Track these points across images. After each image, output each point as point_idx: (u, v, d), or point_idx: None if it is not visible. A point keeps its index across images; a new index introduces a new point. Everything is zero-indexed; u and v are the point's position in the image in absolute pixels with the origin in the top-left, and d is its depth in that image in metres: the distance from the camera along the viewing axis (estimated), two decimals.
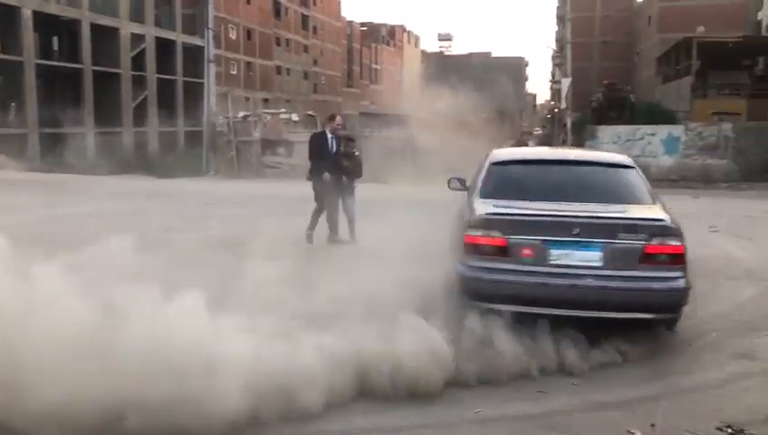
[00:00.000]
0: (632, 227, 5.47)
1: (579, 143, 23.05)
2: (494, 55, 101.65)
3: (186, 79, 43.39)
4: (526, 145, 20.15)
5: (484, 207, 5.89)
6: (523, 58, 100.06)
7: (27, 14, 32.89)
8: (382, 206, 10.46)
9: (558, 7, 43.95)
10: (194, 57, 41.35)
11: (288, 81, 64.84)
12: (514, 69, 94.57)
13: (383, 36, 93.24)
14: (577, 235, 5.41)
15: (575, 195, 5.98)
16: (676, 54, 45.12)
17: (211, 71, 27.13)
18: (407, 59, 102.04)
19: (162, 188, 19.95)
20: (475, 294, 5.53)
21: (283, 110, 32.28)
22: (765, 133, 17.83)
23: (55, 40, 37.78)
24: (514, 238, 5.49)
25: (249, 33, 57.15)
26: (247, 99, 52.38)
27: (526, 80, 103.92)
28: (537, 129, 26.16)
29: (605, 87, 30.56)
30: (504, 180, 6.38)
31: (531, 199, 5.93)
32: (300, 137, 22.67)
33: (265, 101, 56.46)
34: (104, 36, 37.34)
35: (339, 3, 78.75)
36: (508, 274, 5.45)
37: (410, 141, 22.76)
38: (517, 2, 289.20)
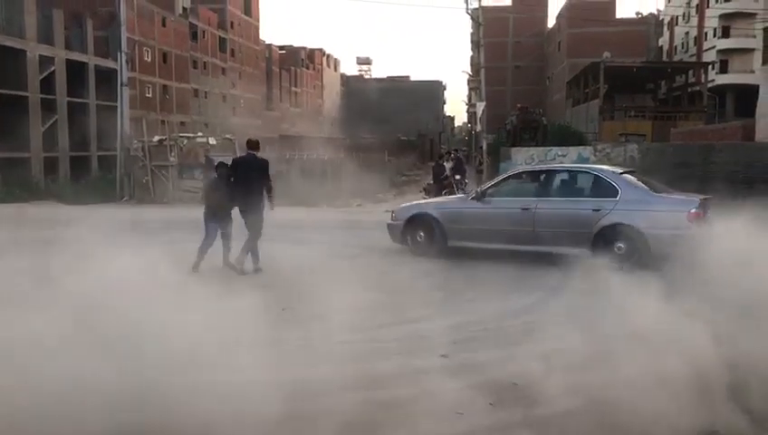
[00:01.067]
0: None
1: (494, 165, 23.71)
2: (412, 79, 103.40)
3: (99, 102, 42.13)
4: (442, 167, 20.48)
5: None
6: (440, 82, 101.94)
7: None
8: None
9: (472, 33, 45.13)
10: (107, 80, 40.24)
11: (205, 104, 63.96)
12: (432, 92, 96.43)
13: (302, 59, 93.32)
14: None
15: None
16: (585, 78, 47.20)
17: (125, 94, 26.44)
18: (327, 82, 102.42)
19: (69, 214, 19.10)
20: None
21: (200, 133, 31.71)
22: (666, 154, 18.84)
23: None
24: None
25: (165, 56, 56.18)
26: (163, 122, 51.33)
27: (444, 103, 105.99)
28: (454, 149, 26.76)
29: (518, 110, 31.50)
30: None
31: None
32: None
33: (182, 124, 55.44)
34: (10, 58, 35.92)
35: (257, 26, 78.46)
36: None
37: (329, 164, 22.85)
38: (434, 27, 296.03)
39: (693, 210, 9.29)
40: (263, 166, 9.89)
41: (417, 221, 11.25)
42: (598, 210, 9.76)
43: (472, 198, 11.00)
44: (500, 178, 11.71)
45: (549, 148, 21.41)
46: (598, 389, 4.59)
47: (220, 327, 4.82)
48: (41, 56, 38.60)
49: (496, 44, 69.34)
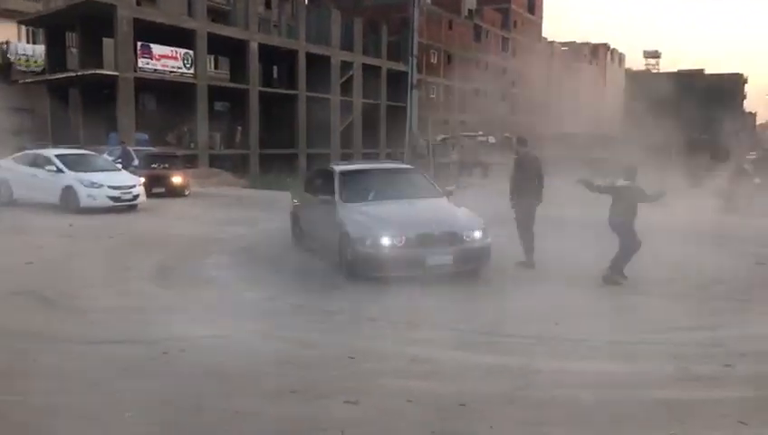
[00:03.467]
0: None
1: None
2: (707, 72, 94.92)
3: (389, 103, 45.57)
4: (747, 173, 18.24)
5: None
6: (740, 74, 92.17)
7: (254, 46, 36.60)
8: None
9: None
10: (396, 82, 43.37)
11: (486, 103, 65.42)
12: (730, 86, 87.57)
13: (585, 56, 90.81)
14: None
15: None
16: None
17: (414, 96, 28.30)
18: (610, 78, 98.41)
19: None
20: None
21: (480, 132, 32.74)
22: None
23: (275, 69, 41.62)
24: None
25: (449, 58, 58.59)
26: (446, 121, 53.70)
27: (744, 98, 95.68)
28: (752, 153, 23.90)
29: None
30: None
31: None
32: (496, 159, 22.95)
33: (462, 123, 57.44)
34: (316, 64, 40.41)
35: (540, 24, 78.14)
36: None
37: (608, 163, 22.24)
38: (734, 12, 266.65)
39: None
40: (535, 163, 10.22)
41: None
42: None
43: None
44: None
45: None
46: None
47: None
48: (342, 62, 42.88)
49: None
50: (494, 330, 6.70)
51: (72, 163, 16.52)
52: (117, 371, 5.31)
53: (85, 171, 16.23)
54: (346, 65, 43.48)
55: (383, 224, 8.65)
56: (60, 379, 5.11)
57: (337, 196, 9.61)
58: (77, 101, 33.45)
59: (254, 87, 37.24)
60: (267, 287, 8.27)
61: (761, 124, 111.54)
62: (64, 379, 5.12)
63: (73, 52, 33.27)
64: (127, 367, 5.39)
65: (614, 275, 8.73)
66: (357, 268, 8.57)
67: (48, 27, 33.14)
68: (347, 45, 43.58)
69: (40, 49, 34.03)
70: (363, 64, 44.87)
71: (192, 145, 34.14)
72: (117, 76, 30.40)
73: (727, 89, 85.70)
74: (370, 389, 4.95)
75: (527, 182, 10.11)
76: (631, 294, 8.30)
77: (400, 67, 43.28)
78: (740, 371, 5.49)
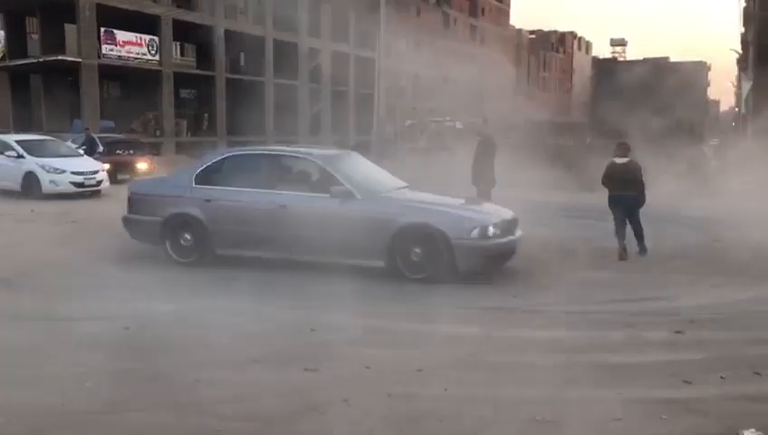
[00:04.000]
0: None
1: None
2: (672, 60, 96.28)
3: (358, 90, 45.50)
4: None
5: None
6: (704, 62, 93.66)
7: (220, 32, 36.23)
8: None
9: (745, 6, 40.92)
10: (365, 69, 43.31)
11: (454, 90, 65.64)
12: (694, 74, 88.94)
13: (552, 44, 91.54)
14: None
15: None
16: None
17: (381, 82, 28.32)
18: (577, 66, 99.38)
19: None
20: None
21: (447, 118, 32.89)
22: None
23: (242, 55, 41.22)
24: None
25: (418, 44, 58.63)
26: (414, 108, 53.78)
27: (707, 85, 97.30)
28: (714, 139, 24.43)
29: None
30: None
31: None
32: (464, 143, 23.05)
33: (431, 110, 57.60)
34: (284, 50, 40.11)
35: (508, 12, 78.50)
36: None
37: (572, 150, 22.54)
38: (698, 3, 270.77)
39: None
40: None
41: None
42: None
43: None
44: None
45: None
46: None
47: None
48: (310, 48, 42.67)
49: None
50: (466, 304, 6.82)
51: (34, 149, 16.29)
52: (76, 345, 5.30)
53: (47, 157, 16.01)
54: (314, 52, 43.26)
55: (480, 213, 8.05)
56: (15, 353, 5.09)
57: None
58: (39, 88, 32.82)
59: (221, 74, 36.91)
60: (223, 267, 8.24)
61: (723, 111, 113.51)
62: (20, 353, 5.10)
63: (34, 38, 32.58)
64: (87, 342, 5.38)
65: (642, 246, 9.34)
66: (463, 264, 7.53)
67: (7, 12, 32.38)
68: (315, 32, 43.34)
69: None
70: (332, 51, 44.70)
71: (158, 132, 33.74)
72: (80, 63, 29.88)
73: (691, 76, 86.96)
74: None
75: (489, 165, 10.25)
76: (595, 269, 8.55)
77: (369, 54, 43.22)
78: (689, 336, 5.69)
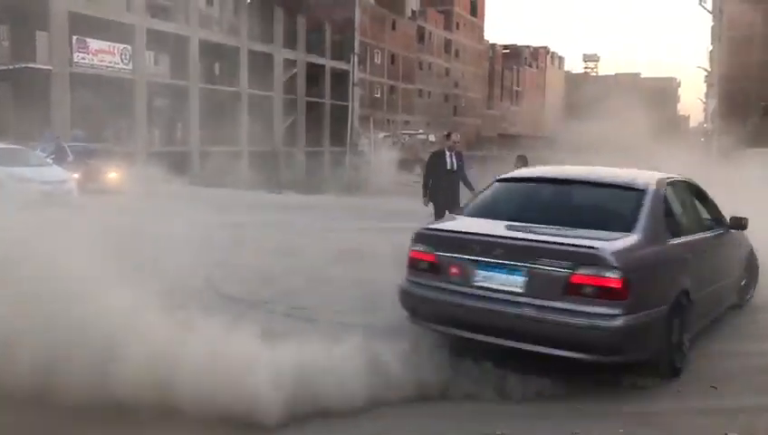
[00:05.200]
0: (554, 252, 4.76)
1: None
2: (643, 76, 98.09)
3: (332, 102, 45.55)
4: None
5: (439, 223, 6.30)
6: (674, 79, 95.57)
7: (195, 42, 36.08)
8: None
9: (713, 26, 41.86)
10: (340, 81, 43.39)
11: (429, 103, 66.11)
12: (664, 90, 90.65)
13: (526, 58, 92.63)
14: (498, 256, 4.92)
15: (549, 217, 5.42)
16: None
17: (356, 94, 28.44)
18: (550, 81, 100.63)
19: (311, 202, 21.17)
20: (408, 308, 5.48)
21: (420, 130, 33.13)
22: None
23: (216, 66, 41.10)
24: (443, 255, 5.22)
25: (393, 58, 58.97)
26: (389, 121, 53.99)
27: (677, 101, 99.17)
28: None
29: (762, 109, 28.81)
30: (494, 199, 6.02)
31: (499, 219, 5.53)
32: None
33: (407, 123, 57.91)
34: (259, 61, 40.08)
35: (482, 27, 79.32)
36: (434, 291, 5.22)
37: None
38: (669, 20, 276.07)
39: None
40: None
41: None
42: None
43: None
44: None
45: None
46: None
47: None
48: (285, 59, 42.65)
49: (741, 38, 63.44)
50: None
51: (1, 158, 16.03)
52: None
53: (15, 166, 15.77)
54: (289, 63, 43.25)
55: None
56: None
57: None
58: (8, 95, 32.33)
59: (195, 84, 36.71)
60: None
61: (693, 127, 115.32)
62: None
63: (4, 45, 32.13)
64: None
65: None
66: None
67: None
68: (290, 43, 43.34)
69: None
70: (307, 63, 44.71)
71: (130, 142, 33.43)
72: (51, 71, 29.53)
73: (661, 92, 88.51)
74: None
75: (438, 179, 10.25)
76: None
77: (344, 66, 43.37)
78: None
